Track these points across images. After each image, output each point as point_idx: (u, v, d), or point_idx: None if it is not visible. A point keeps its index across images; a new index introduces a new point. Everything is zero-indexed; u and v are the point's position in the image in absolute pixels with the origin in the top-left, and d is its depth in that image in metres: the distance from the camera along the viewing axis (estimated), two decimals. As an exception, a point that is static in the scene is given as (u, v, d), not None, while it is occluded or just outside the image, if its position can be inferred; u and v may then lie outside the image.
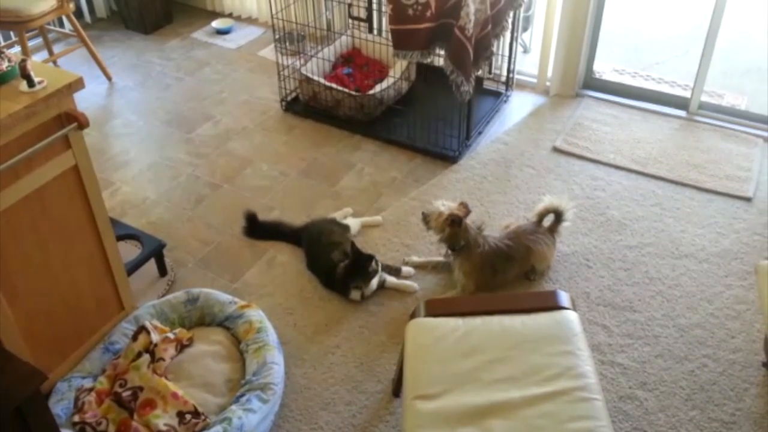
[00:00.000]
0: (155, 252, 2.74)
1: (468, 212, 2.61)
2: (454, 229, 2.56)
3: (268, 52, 4.48)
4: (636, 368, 2.38)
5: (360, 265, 2.59)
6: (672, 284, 2.70)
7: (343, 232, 2.87)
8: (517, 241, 2.66)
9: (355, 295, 2.62)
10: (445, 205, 2.62)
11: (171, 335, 2.30)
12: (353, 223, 2.96)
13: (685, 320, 2.55)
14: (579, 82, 3.92)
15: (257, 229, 2.99)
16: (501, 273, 2.64)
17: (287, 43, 4.02)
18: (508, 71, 3.85)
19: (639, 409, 2.25)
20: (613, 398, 2.28)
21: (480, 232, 2.63)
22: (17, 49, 4.04)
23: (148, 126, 3.79)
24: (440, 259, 2.78)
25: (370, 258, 2.61)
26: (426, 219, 2.65)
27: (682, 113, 3.71)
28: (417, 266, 2.78)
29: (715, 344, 2.46)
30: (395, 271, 2.75)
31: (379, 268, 2.65)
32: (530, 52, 4.42)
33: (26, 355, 2.08)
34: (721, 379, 2.34)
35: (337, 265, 2.66)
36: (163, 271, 2.78)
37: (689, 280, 2.72)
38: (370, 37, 3.93)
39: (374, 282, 2.63)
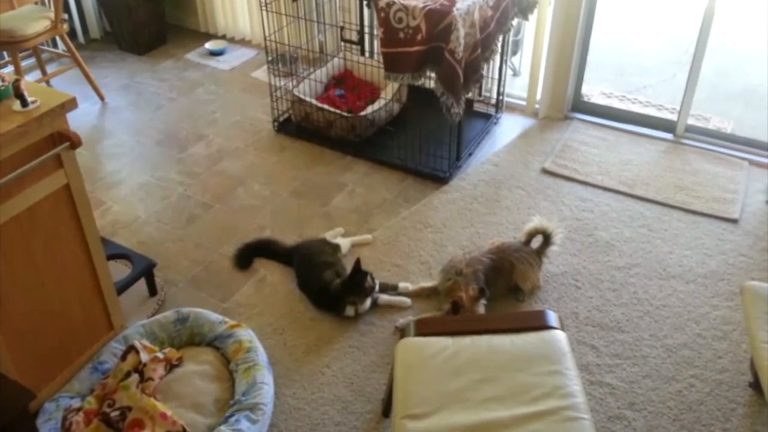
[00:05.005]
0: (145, 271, 2.74)
1: (463, 287, 2.56)
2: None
3: (261, 74, 4.51)
4: (624, 388, 2.39)
5: (358, 281, 2.61)
6: (659, 305, 2.72)
7: (334, 251, 2.89)
8: (501, 255, 2.70)
9: (349, 311, 2.63)
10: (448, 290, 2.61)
11: (160, 355, 2.30)
12: (343, 243, 2.97)
13: (672, 341, 2.57)
14: (567, 105, 3.97)
15: (247, 258, 2.98)
16: (492, 286, 2.66)
17: (280, 65, 4.06)
18: (498, 94, 3.90)
19: (627, 429, 2.25)
20: (602, 418, 2.29)
21: (461, 268, 2.60)
22: (10, 68, 4.06)
23: (140, 146, 3.81)
24: (432, 284, 2.78)
25: (367, 274, 2.63)
26: (459, 308, 2.59)
27: (669, 136, 3.77)
28: (412, 295, 2.76)
29: (703, 364, 2.48)
30: (392, 288, 2.76)
31: (376, 286, 2.67)
32: (520, 75, 4.48)
33: (13, 374, 2.07)
34: (708, 399, 2.35)
35: (328, 285, 2.67)
36: (153, 290, 2.78)
37: (677, 301, 2.74)
38: (362, 59, 3.98)
39: (368, 301, 2.64)
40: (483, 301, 2.57)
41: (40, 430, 2.06)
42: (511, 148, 3.72)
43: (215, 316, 2.51)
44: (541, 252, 2.79)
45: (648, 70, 4.73)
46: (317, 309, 2.72)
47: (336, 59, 4.06)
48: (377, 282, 2.69)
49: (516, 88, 4.27)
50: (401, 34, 2.95)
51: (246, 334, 2.43)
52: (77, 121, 3.98)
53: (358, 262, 2.64)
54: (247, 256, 2.96)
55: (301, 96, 3.72)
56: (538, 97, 3.96)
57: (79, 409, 2.15)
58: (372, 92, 3.91)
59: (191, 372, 2.30)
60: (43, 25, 3.82)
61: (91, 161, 3.67)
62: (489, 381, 1.82)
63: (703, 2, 3.40)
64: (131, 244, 3.04)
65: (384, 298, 2.71)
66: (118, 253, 2.79)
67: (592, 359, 2.50)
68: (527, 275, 2.70)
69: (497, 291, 2.71)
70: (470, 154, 3.64)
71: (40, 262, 2.11)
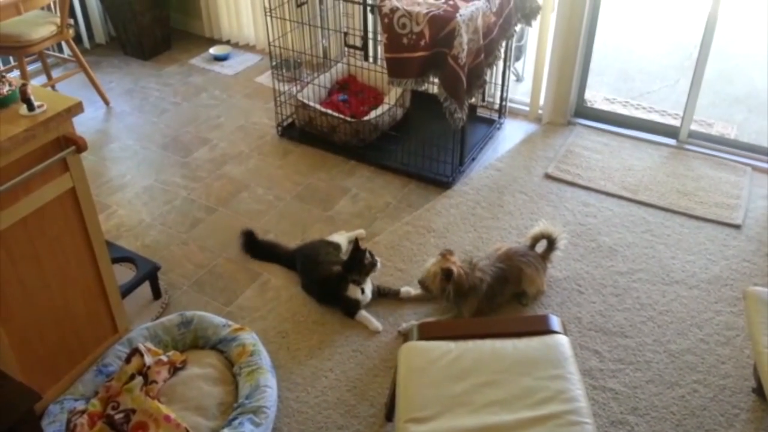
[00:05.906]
0: (150, 275, 2.75)
1: (453, 260, 2.58)
2: (453, 282, 2.54)
3: (265, 79, 4.53)
4: (627, 393, 2.39)
5: (357, 258, 2.64)
6: (663, 310, 2.73)
7: (337, 251, 2.92)
8: (509, 262, 2.69)
9: (352, 291, 2.65)
10: (431, 261, 2.63)
11: (164, 358, 2.31)
12: (341, 239, 3.01)
13: (675, 346, 2.57)
14: (570, 111, 3.98)
15: (255, 246, 3.02)
16: (499, 295, 2.67)
17: (284, 70, 4.08)
18: (501, 99, 3.91)
19: (630, 435, 2.26)
20: (605, 423, 2.29)
21: (474, 267, 2.61)
22: (16, 73, 4.09)
23: (145, 150, 3.82)
24: None
25: (366, 250, 2.66)
26: (425, 285, 2.64)
27: (672, 142, 3.77)
28: (415, 299, 2.77)
29: (706, 370, 2.48)
30: (394, 293, 2.77)
31: (378, 263, 2.70)
32: (523, 80, 4.49)
33: (18, 376, 2.08)
34: (711, 404, 2.35)
35: (331, 275, 2.71)
36: (157, 293, 2.79)
37: (680, 306, 2.74)
38: (365, 64, 3.99)
39: (370, 282, 2.69)
40: (449, 287, 2.55)
41: (44, 433, 2.07)
42: (514, 154, 3.73)
43: (219, 320, 2.52)
44: (545, 256, 2.79)
45: (651, 75, 4.74)
46: (323, 305, 2.74)
47: (340, 64, 4.08)
48: (378, 261, 2.71)
49: (519, 93, 4.28)
50: (405, 40, 2.97)
51: (249, 338, 2.43)
52: (82, 125, 4.01)
53: (357, 242, 2.68)
54: (253, 244, 3.03)
55: (305, 101, 3.73)
56: (541, 102, 3.97)
57: (83, 412, 2.16)
58: (375, 97, 3.93)
59: (195, 375, 2.31)
60: (48, 30, 3.85)
61: (96, 165, 3.69)
62: (492, 385, 1.83)
63: (707, 7, 3.41)
64: (135, 247, 3.06)
65: (361, 314, 2.69)
66: (122, 257, 2.81)
67: (595, 364, 2.50)
68: (534, 279, 2.70)
69: (504, 298, 2.71)
70: (473, 159, 3.65)
71: (46, 265, 2.12)
